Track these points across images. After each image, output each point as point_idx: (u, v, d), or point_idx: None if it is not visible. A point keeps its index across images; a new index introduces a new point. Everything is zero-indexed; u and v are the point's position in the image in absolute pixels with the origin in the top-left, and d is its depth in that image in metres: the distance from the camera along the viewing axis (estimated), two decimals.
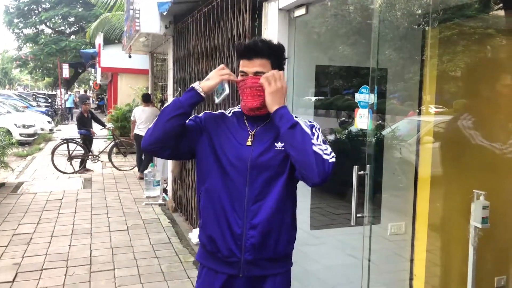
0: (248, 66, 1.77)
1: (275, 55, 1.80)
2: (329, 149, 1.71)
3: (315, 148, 1.66)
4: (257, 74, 1.75)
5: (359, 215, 2.54)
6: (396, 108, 4.29)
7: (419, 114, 3.78)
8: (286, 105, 1.76)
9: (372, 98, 2.58)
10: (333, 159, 1.68)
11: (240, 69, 1.80)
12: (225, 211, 1.77)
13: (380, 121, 4.77)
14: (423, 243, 3.45)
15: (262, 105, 1.76)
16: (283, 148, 1.75)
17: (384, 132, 4.49)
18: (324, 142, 1.75)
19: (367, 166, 2.56)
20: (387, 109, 4.14)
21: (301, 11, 2.99)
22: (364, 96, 2.63)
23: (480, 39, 3.54)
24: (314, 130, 1.77)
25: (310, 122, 1.83)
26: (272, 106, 1.72)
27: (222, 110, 1.94)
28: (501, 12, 3.58)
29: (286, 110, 1.73)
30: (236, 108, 1.93)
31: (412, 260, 3.58)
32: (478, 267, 2.92)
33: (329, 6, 3.67)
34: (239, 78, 1.80)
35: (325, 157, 1.66)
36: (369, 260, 2.90)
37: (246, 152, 1.77)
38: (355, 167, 2.51)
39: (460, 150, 3.26)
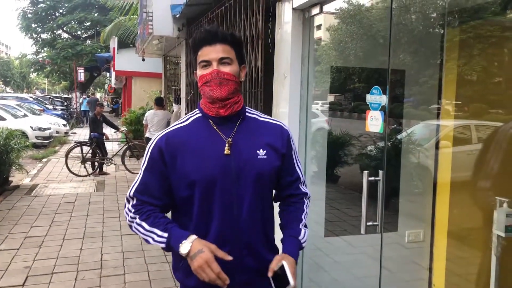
0: (211, 53, 1.53)
1: (236, 44, 1.60)
2: (306, 193, 1.76)
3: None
4: (223, 60, 1.54)
5: (369, 223, 2.42)
6: (411, 112, 4.19)
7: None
8: (293, 257, 1.60)
9: (384, 99, 2.48)
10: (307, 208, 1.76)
11: (201, 59, 1.56)
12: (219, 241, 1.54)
13: (395, 125, 4.66)
14: (442, 251, 3.32)
15: (230, 96, 1.56)
16: (266, 157, 1.59)
17: (399, 137, 4.38)
18: (298, 160, 1.74)
19: (380, 172, 2.44)
20: (404, 113, 4.04)
21: (315, 10, 2.91)
22: (375, 98, 2.53)
23: (497, 42, 3.44)
24: (291, 143, 1.70)
25: (285, 127, 1.70)
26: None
27: (176, 123, 1.66)
28: None
29: (296, 255, 1.61)
30: (195, 114, 1.66)
31: (430, 269, 3.45)
32: (501, 277, 2.79)
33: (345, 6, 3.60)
34: (201, 71, 1.56)
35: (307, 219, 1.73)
36: (381, 267, 2.79)
37: (226, 162, 1.55)
38: (365, 173, 2.40)
39: (482, 155, 3.14)
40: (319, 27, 3.28)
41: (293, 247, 1.62)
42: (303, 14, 3.02)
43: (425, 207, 3.50)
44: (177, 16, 5.90)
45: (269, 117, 1.72)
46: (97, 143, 9.17)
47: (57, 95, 39.89)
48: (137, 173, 1.66)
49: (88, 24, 30.02)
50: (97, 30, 28.27)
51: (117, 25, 14.79)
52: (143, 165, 1.62)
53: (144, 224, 1.56)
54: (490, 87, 3.39)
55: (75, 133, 18.11)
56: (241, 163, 1.56)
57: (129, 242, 4.95)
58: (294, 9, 2.99)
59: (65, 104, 26.35)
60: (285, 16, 3.12)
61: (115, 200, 6.95)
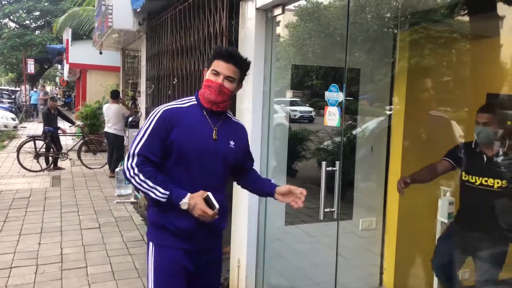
0: (224, 69, 1.95)
1: (244, 69, 2.02)
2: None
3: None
4: (228, 78, 1.96)
5: (327, 209, 2.60)
6: (365, 109, 4.43)
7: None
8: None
9: (341, 96, 2.67)
10: None
11: (214, 68, 1.97)
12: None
13: (350, 121, 4.90)
14: (393, 238, 3.58)
15: (221, 102, 1.99)
16: (234, 147, 2.06)
17: (354, 132, 4.62)
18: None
19: (336, 162, 2.64)
20: (358, 109, 4.27)
21: (278, 10, 3.05)
22: (333, 94, 2.73)
23: (446, 43, 3.71)
24: (247, 137, 2.23)
25: (244, 126, 2.22)
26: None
27: (176, 103, 2.06)
28: (466, 18, 3.78)
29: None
30: (192, 101, 2.07)
31: (382, 255, 3.71)
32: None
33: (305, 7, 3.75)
34: (210, 76, 1.98)
35: None
36: (337, 254, 2.98)
37: (214, 145, 2.00)
38: (323, 163, 2.60)
39: (427, 147, 3.41)
40: (278, 23, 3.41)
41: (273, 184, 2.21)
42: (266, 14, 3.16)
43: (377, 197, 3.75)
44: (138, 10, 5.88)
45: (236, 118, 2.24)
46: (52, 137, 8.90)
47: (4, 87, 37.81)
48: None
49: (37, 13, 28.65)
50: (48, 20, 27.07)
51: (71, 16, 14.29)
52: (147, 129, 1.95)
53: (148, 181, 1.91)
54: (439, 85, 3.66)
55: (24, 127, 17.36)
56: (220, 147, 2.01)
57: (90, 236, 4.92)
58: (257, 9, 3.12)
59: (13, 97, 25.10)
60: (249, 15, 3.24)
61: (72, 195, 6.82)
